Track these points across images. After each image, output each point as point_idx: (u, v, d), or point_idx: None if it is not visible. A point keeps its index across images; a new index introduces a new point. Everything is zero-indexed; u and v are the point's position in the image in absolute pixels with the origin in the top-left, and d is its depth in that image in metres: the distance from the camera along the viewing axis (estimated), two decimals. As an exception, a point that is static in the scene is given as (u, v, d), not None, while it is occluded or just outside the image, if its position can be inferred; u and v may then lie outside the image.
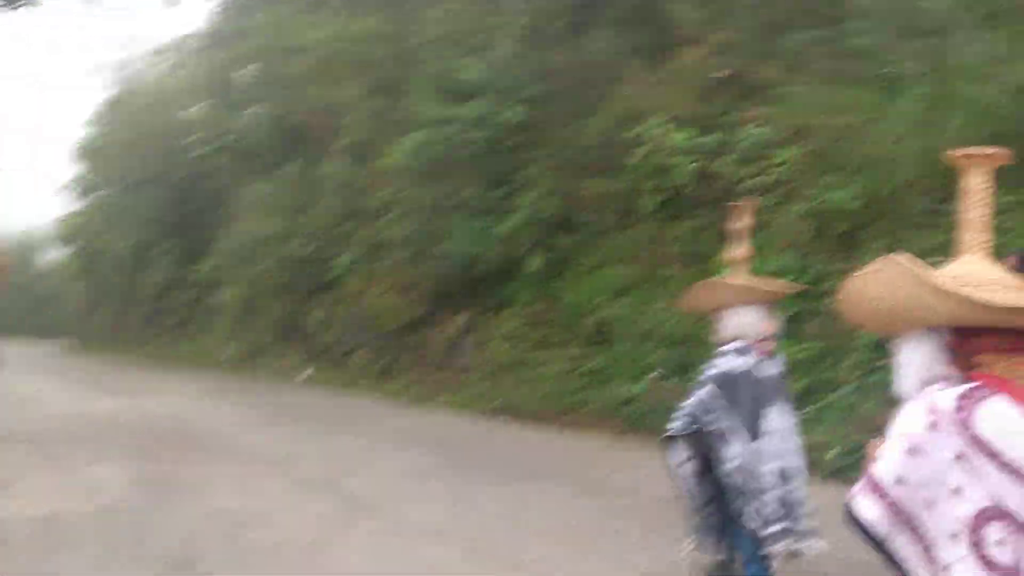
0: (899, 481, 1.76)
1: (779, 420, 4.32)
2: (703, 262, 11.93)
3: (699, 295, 4.77)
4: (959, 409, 1.74)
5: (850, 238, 9.78)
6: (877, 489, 1.78)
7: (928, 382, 1.85)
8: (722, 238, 11.76)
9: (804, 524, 4.24)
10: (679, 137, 10.77)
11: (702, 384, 4.45)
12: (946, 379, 1.83)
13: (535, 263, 13.77)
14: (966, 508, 1.70)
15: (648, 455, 9.20)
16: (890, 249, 8.80)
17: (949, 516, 1.71)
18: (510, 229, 13.89)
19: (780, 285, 4.87)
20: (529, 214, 13.73)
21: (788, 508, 4.19)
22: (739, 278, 4.66)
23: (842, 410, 8.61)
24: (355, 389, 16.27)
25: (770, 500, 4.20)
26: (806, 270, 10.12)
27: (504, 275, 14.45)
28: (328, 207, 18.81)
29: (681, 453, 4.51)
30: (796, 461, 4.31)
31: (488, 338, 14.39)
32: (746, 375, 4.29)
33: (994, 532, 1.67)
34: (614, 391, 11.36)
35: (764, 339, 4.44)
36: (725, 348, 4.46)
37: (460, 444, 10.27)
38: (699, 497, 4.53)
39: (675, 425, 4.47)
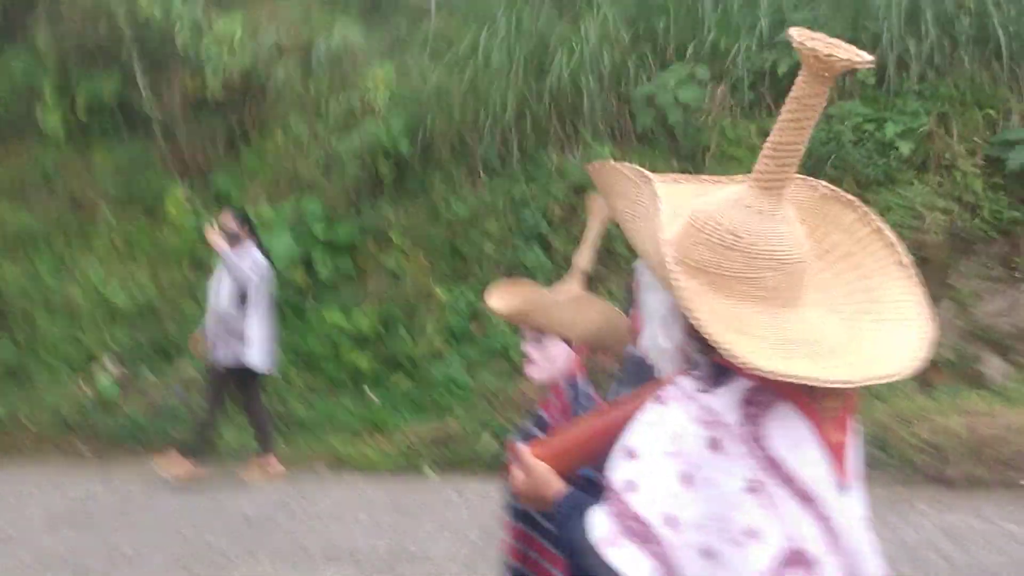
0: (669, 522, 1.28)
1: None
2: (150, 206, 8.88)
3: None
4: (747, 420, 1.30)
5: (400, 187, 8.24)
6: (640, 532, 1.29)
7: (666, 358, 1.41)
8: (193, 169, 9.10)
9: None
10: (226, 25, 7.51)
11: None
12: (686, 360, 1.38)
13: None
14: (763, 555, 1.27)
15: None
16: (435, 208, 7.78)
17: (740, 568, 1.27)
18: None
19: None
20: None
21: None
22: None
23: (450, 387, 7.21)
24: None
25: None
26: (336, 221, 8.23)
27: None
28: None
29: None
30: None
31: None
32: None
33: None
34: (45, 396, 7.64)
35: None
36: None
37: None
38: None
39: None
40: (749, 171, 1.36)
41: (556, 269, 7.57)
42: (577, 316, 2.32)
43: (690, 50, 7.69)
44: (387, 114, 8.04)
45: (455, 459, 6.48)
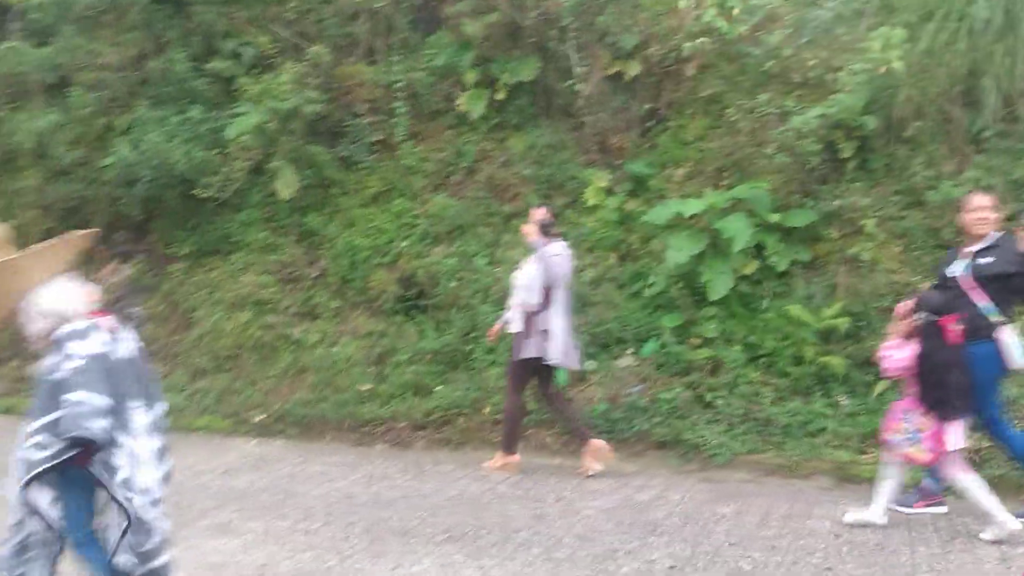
0: None
1: (145, 417, 3.53)
2: (569, 192, 8.63)
3: None
4: None
5: (861, 168, 7.43)
6: None
7: None
8: (610, 154, 8.88)
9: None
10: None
11: (60, 387, 3.28)
12: None
13: (288, 186, 8.85)
14: None
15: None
16: (914, 190, 6.72)
17: None
18: (239, 133, 8.72)
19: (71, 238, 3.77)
20: (269, 111, 8.72)
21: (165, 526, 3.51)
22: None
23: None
24: None
25: (157, 519, 3.44)
26: (787, 207, 7.55)
27: (205, 205, 9.10)
28: None
29: (49, 491, 3.38)
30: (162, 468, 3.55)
31: (193, 306, 9.01)
32: (104, 359, 3.39)
33: None
34: (489, 382, 7.55)
35: (99, 309, 3.54)
36: (64, 333, 3.37)
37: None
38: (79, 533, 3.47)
39: (42, 457, 3.27)
40: None
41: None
42: None
43: None
44: (853, 87, 7.21)
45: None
